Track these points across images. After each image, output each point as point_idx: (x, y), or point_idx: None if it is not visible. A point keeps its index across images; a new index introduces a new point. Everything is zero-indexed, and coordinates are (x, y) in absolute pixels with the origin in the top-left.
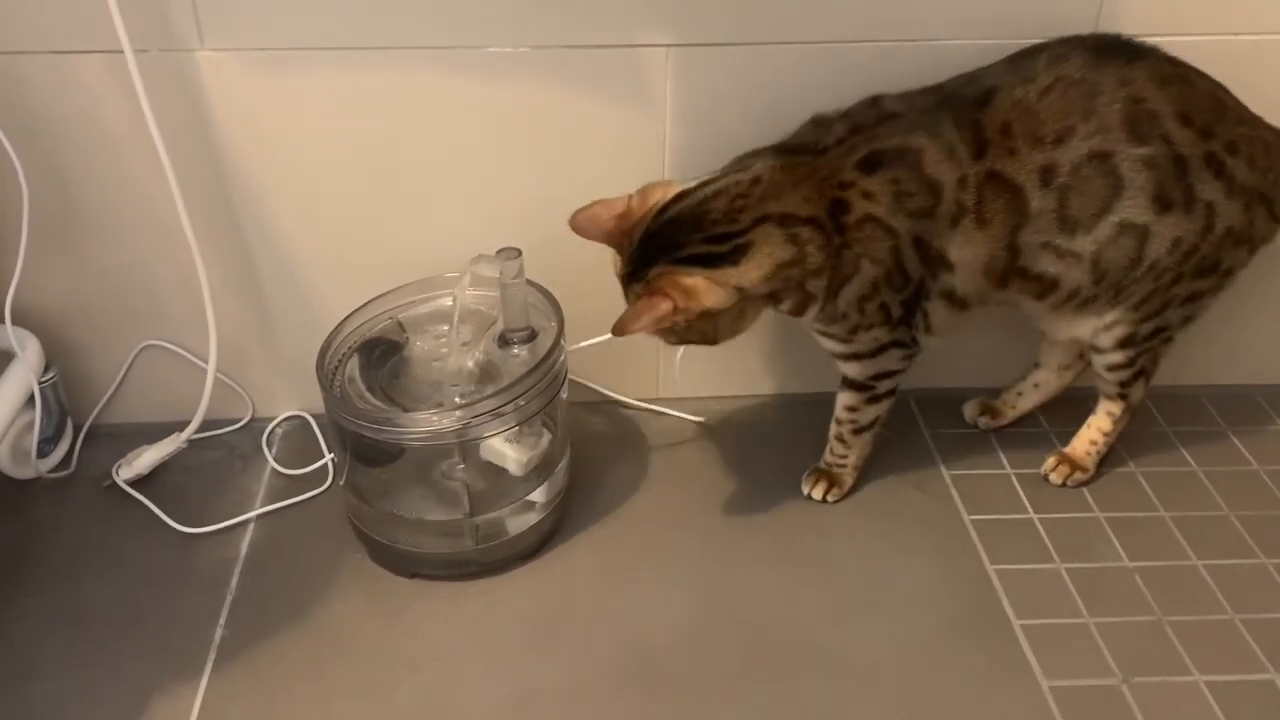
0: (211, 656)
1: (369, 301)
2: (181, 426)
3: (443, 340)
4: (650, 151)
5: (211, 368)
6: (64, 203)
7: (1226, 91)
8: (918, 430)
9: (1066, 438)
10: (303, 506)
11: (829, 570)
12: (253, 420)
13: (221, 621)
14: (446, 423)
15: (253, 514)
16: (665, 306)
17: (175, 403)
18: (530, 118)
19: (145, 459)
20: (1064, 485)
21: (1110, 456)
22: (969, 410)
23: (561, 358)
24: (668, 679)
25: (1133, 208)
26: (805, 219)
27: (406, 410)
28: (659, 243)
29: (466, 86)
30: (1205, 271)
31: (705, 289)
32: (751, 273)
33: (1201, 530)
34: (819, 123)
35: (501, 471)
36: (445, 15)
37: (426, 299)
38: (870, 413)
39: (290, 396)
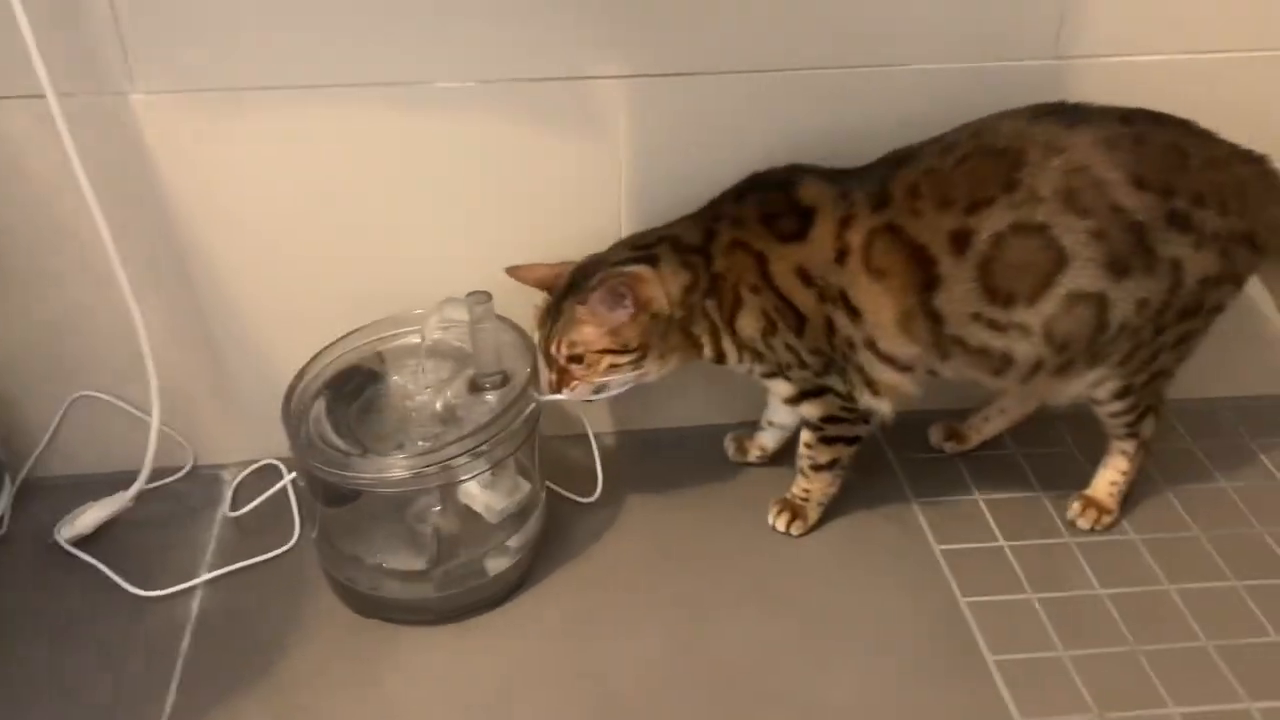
0: None
1: (339, 339)
2: (118, 477)
3: (417, 376)
4: (607, 185)
5: (155, 420)
6: None
7: (1191, 132)
8: (883, 455)
9: (1035, 461)
10: (261, 558)
11: (799, 609)
12: (195, 468)
13: (173, 687)
14: (398, 472)
15: (215, 573)
16: (623, 278)
17: (111, 453)
18: (484, 154)
19: (88, 518)
20: (1092, 530)
21: (1074, 476)
22: (934, 435)
23: (533, 404)
24: None
25: (1082, 277)
26: (688, 246)
27: (367, 451)
28: (587, 269)
29: (415, 124)
30: (1189, 314)
31: (648, 274)
32: (668, 279)
33: (1172, 552)
34: None
35: (476, 516)
36: (390, 51)
37: (399, 334)
38: (826, 453)
39: (241, 443)
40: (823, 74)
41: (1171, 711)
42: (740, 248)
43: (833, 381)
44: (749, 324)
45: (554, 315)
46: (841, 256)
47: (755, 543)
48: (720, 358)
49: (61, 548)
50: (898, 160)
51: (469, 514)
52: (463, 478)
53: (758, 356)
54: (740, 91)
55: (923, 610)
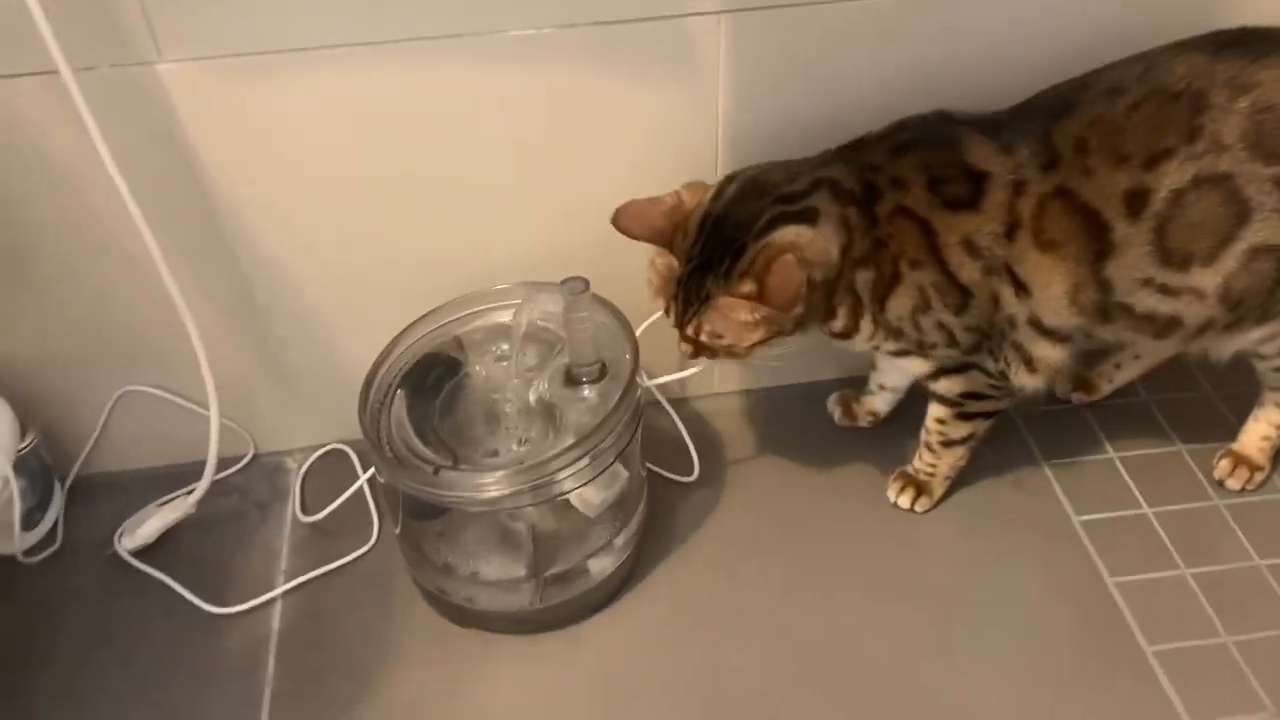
0: None
1: (412, 324)
2: (174, 471)
3: (505, 364)
4: (703, 136)
5: (214, 415)
6: (18, 246)
7: None
8: (1004, 411)
9: (1170, 409)
10: (341, 562)
11: (928, 597)
12: (257, 456)
13: (265, 716)
14: (496, 490)
15: (293, 582)
16: (793, 260)
17: (165, 447)
18: (562, 108)
19: (150, 526)
20: (1242, 490)
21: (1215, 424)
22: (1060, 385)
23: (638, 394)
24: None
25: (1266, 230)
26: (850, 195)
27: (459, 462)
28: (732, 224)
29: (484, 79)
30: None
31: (811, 238)
32: (831, 241)
33: None
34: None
35: (574, 510)
36: None
37: (476, 314)
38: (961, 429)
39: (303, 428)
40: (926, 4)
41: None
42: (904, 215)
43: (982, 359)
44: (902, 303)
45: (689, 290)
46: (1012, 230)
47: (872, 519)
48: (848, 334)
49: (124, 560)
50: (1055, 107)
51: (565, 508)
52: (567, 488)
53: (895, 335)
54: (845, 23)
55: (1067, 593)
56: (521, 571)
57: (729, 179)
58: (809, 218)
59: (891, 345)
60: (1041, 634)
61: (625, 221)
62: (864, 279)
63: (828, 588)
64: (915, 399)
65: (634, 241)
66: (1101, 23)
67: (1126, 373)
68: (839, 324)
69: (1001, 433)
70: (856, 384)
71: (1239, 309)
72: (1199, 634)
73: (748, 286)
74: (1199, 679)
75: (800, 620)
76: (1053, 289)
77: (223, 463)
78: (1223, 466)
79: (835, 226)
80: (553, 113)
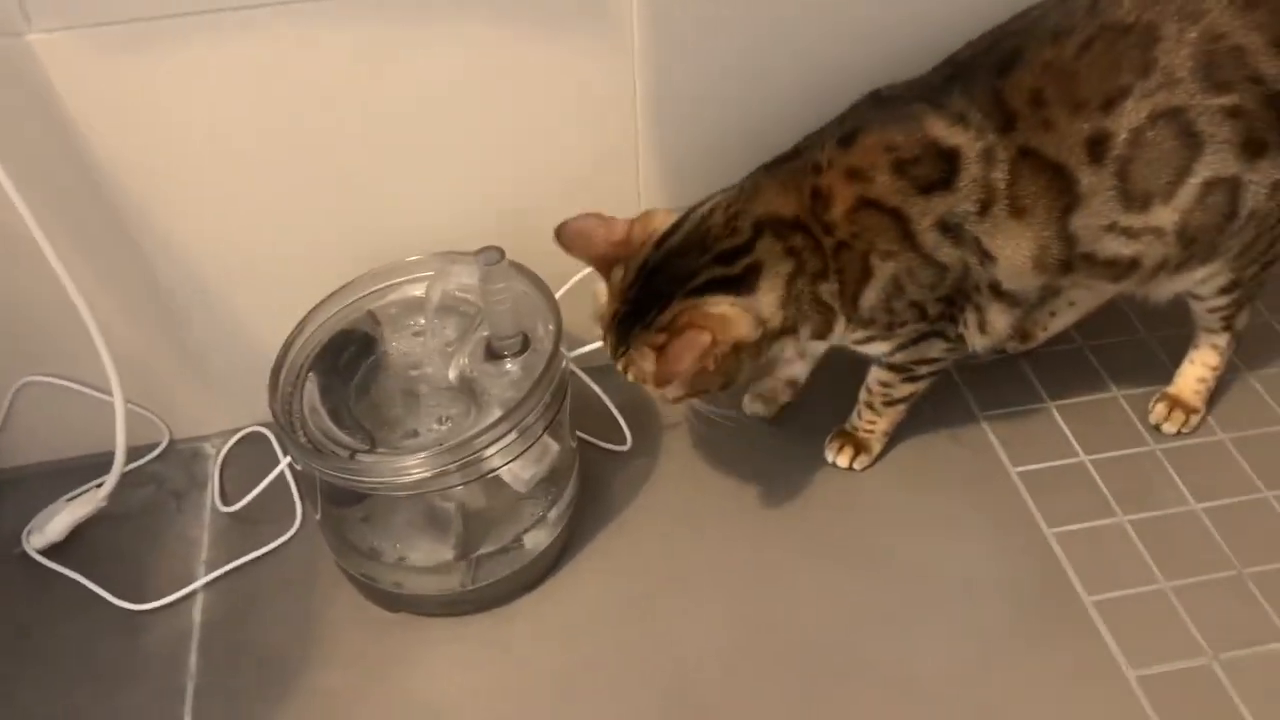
0: None
1: (323, 301)
2: (84, 462)
3: (421, 339)
4: (621, 97)
5: (118, 401)
6: None
7: None
8: None
9: (1106, 354)
10: (264, 550)
11: (872, 559)
12: (172, 443)
13: (187, 714)
14: (418, 472)
15: (213, 574)
16: (705, 339)
17: (73, 438)
18: (472, 69)
19: (59, 523)
20: (1179, 433)
21: (1151, 368)
22: None
23: (562, 365)
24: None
25: (1217, 162)
26: (790, 222)
27: (377, 445)
28: (666, 276)
29: (387, 39)
30: None
31: (737, 317)
32: (768, 298)
33: (1266, 452)
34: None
35: (503, 486)
36: None
37: (390, 288)
38: (906, 389)
39: (219, 412)
40: None
41: None
42: (870, 209)
43: (944, 326)
44: (873, 295)
45: (619, 333)
46: (986, 206)
47: (812, 480)
48: (824, 333)
49: (33, 559)
50: (999, 61)
51: (495, 485)
52: (495, 465)
53: (866, 325)
54: None
55: (1007, 548)
56: (450, 554)
57: (678, 223)
58: (747, 284)
59: (859, 334)
60: (984, 591)
61: (569, 238)
62: (829, 290)
63: (768, 554)
64: (846, 359)
65: (552, 207)
66: None
67: (1062, 319)
68: (806, 336)
69: (938, 387)
70: None
71: (1192, 246)
72: (1137, 581)
73: (659, 340)
74: (1138, 628)
75: (741, 588)
76: (1020, 254)
77: (136, 451)
78: (1159, 410)
79: (777, 273)
80: (463, 74)
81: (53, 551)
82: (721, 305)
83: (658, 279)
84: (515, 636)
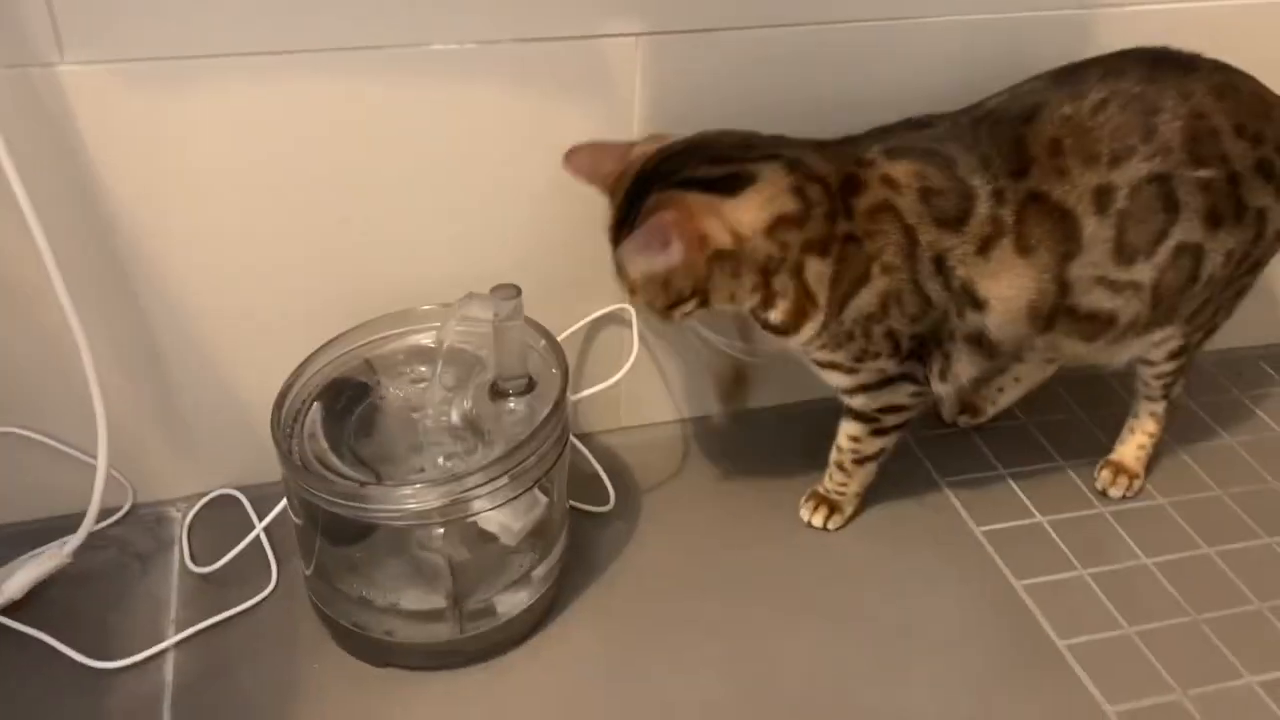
0: None
1: (321, 348)
2: (35, 526)
3: (422, 385)
4: None
5: (102, 460)
6: None
7: (1260, 83)
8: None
9: (1049, 429)
10: (239, 609)
11: (853, 614)
12: (135, 507)
13: None
14: (430, 500)
15: (185, 632)
16: (667, 217)
17: (25, 497)
18: (481, 125)
19: (18, 580)
20: (1123, 497)
21: (1087, 442)
22: (948, 409)
23: (566, 413)
24: None
25: (1188, 229)
26: (817, 176)
27: (380, 477)
28: (655, 176)
29: (403, 94)
30: (1256, 267)
31: (705, 208)
32: (748, 210)
33: (1201, 514)
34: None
35: (489, 539)
36: (374, 8)
37: (400, 334)
38: (875, 444)
39: (188, 474)
40: (858, 27)
41: (1249, 681)
42: (891, 215)
43: (914, 367)
44: (861, 308)
45: (615, 242)
46: (989, 242)
47: (788, 541)
48: (786, 331)
49: None
50: (1020, 116)
51: (481, 537)
52: (500, 501)
53: (838, 342)
54: (760, 50)
55: (981, 600)
56: (442, 601)
57: (688, 137)
58: (730, 186)
59: (827, 355)
60: (965, 641)
61: (578, 161)
62: (817, 271)
63: (751, 613)
64: (819, 421)
65: (552, 260)
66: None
67: (1008, 395)
68: (777, 316)
69: (898, 455)
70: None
71: (1159, 306)
72: (1105, 627)
73: (629, 239)
74: (1111, 668)
75: (726, 645)
76: (1017, 299)
77: (100, 513)
78: (1104, 476)
79: (776, 192)
80: (472, 129)
81: (12, 610)
82: (698, 198)
83: (647, 181)
84: (503, 692)
